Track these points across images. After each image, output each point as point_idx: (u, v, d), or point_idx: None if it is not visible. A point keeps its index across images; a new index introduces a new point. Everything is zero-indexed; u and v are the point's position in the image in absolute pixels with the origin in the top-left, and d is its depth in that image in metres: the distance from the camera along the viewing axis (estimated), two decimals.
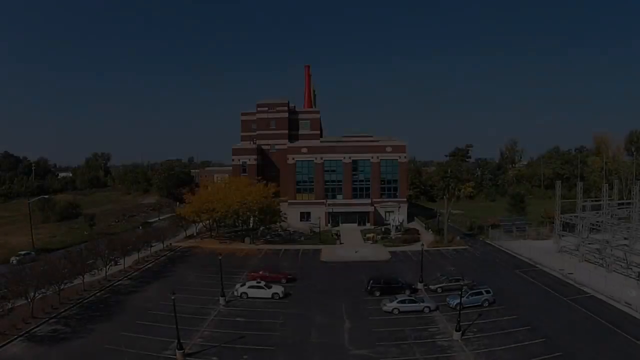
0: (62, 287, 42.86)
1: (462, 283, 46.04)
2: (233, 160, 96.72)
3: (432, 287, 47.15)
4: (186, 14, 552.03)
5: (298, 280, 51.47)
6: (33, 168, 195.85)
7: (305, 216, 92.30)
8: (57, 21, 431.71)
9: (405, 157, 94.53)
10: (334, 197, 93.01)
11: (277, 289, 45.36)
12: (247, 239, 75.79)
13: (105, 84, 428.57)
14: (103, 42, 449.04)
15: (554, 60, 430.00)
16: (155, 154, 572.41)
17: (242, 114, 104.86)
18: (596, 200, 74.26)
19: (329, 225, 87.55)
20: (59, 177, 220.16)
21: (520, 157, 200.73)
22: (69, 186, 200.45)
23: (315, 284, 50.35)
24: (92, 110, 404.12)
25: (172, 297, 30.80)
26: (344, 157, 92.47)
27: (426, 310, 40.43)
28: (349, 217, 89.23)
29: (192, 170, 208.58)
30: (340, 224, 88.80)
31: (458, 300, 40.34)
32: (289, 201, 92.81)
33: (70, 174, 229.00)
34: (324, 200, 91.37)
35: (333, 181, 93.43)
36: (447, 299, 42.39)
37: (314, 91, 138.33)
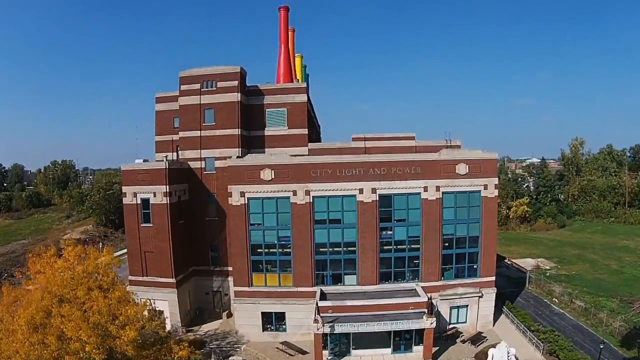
0: None
1: None
2: (124, 195, 45.35)
3: None
4: None
5: None
6: None
7: (272, 322, 41.29)
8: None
9: (496, 186, 42.36)
10: (336, 279, 41.52)
11: None
12: None
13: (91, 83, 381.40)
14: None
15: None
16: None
17: (157, 99, 53.04)
18: None
19: (327, 353, 36.21)
20: None
21: (586, 162, 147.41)
22: (2, 206, 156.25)
23: None
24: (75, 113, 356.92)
25: None
26: (361, 190, 40.74)
27: None
28: (370, 334, 37.50)
29: None
30: (352, 351, 37.38)
31: None
32: (236, 288, 41.69)
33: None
34: (314, 289, 40.01)
35: (334, 244, 41.55)
36: None
37: (304, 69, 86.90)
